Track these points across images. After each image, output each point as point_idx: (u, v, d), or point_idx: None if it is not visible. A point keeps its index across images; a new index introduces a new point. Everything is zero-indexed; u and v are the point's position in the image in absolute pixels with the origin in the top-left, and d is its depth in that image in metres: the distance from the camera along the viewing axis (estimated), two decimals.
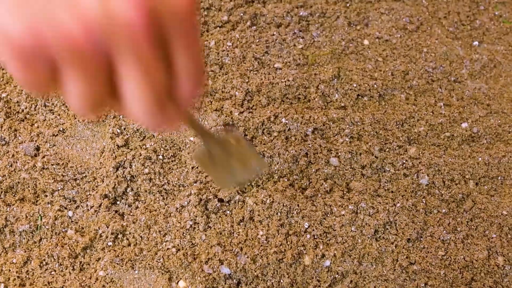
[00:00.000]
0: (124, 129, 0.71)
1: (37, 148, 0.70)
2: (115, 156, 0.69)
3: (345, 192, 0.68)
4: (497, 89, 0.76)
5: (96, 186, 0.68)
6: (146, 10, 0.24)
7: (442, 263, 0.64)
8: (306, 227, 0.65)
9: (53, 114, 0.72)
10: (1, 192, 0.67)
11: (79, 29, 0.24)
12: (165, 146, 0.70)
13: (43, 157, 0.69)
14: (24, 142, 0.70)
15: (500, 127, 0.73)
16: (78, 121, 0.71)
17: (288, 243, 0.65)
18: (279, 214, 0.66)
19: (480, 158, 0.70)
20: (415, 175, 0.69)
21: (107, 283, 0.63)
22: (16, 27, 0.24)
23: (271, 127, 0.71)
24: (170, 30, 0.27)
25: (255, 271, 0.63)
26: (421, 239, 0.65)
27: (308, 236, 0.65)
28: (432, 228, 0.66)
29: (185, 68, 0.29)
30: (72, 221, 0.66)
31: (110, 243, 0.64)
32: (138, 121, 0.30)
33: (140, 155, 0.69)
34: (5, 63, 0.26)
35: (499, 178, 0.70)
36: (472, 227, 0.66)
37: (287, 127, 0.71)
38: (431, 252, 0.64)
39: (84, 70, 0.25)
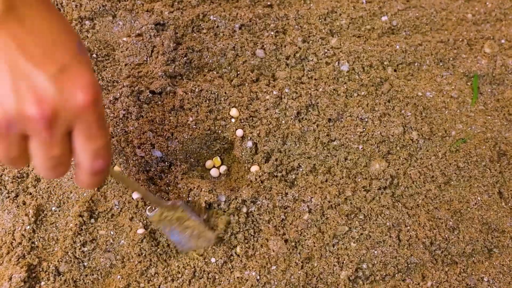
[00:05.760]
0: None
1: None
2: None
3: (270, 81, 0.72)
4: None
5: None
6: (47, 110, 0.37)
7: (361, 138, 0.69)
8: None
9: None
10: None
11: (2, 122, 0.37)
12: (99, 46, 0.73)
13: None
14: None
15: (418, 20, 0.78)
16: None
17: (217, 127, 0.69)
18: (207, 101, 0.69)
19: (398, 46, 0.74)
20: (336, 62, 0.73)
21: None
22: None
23: (200, 24, 0.74)
24: (72, 123, 0.39)
25: (186, 153, 0.67)
26: (341, 119, 0.70)
27: (233, 120, 0.69)
28: (351, 109, 0.70)
29: (83, 154, 0.41)
30: None
31: None
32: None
33: None
34: None
35: (416, 64, 0.75)
36: (389, 107, 0.71)
37: (215, 24, 0.74)
38: (350, 130, 0.69)
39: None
